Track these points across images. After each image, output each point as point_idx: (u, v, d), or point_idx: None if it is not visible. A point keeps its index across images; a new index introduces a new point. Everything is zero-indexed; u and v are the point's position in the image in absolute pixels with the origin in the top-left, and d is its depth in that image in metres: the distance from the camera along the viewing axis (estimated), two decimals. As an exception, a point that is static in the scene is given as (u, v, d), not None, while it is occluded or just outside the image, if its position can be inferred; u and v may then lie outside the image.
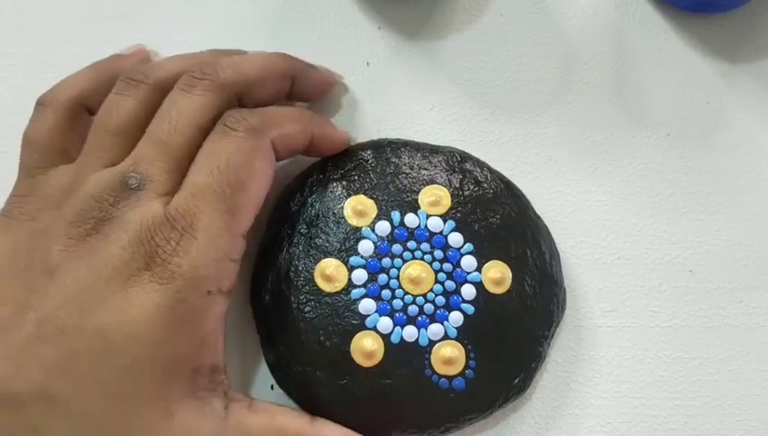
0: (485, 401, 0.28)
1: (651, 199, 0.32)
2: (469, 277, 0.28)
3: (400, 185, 0.29)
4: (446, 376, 0.27)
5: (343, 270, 0.28)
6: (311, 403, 0.28)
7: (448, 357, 0.27)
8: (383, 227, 0.29)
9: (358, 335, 0.27)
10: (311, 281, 0.28)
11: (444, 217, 0.29)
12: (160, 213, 0.24)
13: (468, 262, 0.28)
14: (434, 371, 0.27)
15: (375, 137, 0.31)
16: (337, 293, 0.28)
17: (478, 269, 0.28)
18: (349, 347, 0.27)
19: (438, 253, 0.28)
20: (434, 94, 0.33)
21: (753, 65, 0.34)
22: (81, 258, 0.24)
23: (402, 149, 0.30)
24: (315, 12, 0.33)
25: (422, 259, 0.28)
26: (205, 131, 0.26)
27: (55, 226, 0.25)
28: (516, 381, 0.28)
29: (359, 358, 0.27)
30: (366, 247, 0.28)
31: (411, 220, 0.29)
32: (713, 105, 0.33)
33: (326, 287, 0.28)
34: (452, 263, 0.28)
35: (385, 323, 0.28)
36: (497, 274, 0.28)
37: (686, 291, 0.31)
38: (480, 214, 0.29)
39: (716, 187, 0.33)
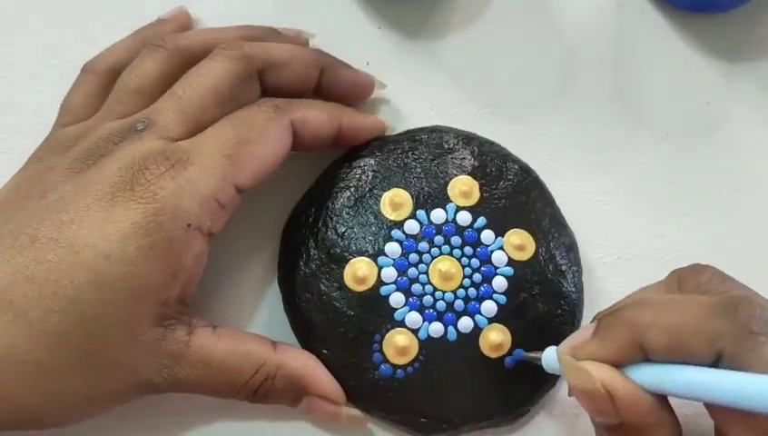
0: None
1: (651, 199, 0.32)
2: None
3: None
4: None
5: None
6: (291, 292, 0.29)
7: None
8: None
9: (354, 260, 0.28)
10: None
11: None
12: (159, 146, 0.25)
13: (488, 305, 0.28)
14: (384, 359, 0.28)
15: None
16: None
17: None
18: (344, 270, 0.28)
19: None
20: (434, 94, 0.33)
21: (753, 65, 0.34)
22: (73, 181, 0.25)
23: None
24: (315, 12, 0.33)
25: (451, 254, 0.29)
26: (222, 97, 0.27)
27: (61, 163, 0.26)
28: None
29: (350, 281, 0.28)
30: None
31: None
32: (713, 105, 0.33)
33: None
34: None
35: (390, 275, 0.28)
36: (497, 338, 0.28)
37: (686, 291, 0.31)
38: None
39: (716, 187, 0.33)
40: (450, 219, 0.29)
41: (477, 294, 0.28)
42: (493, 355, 0.28)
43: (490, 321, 0.28)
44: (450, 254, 0.28)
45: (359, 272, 0.28)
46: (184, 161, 0.25)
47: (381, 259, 0.28)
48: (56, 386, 0.23)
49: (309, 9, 0.33)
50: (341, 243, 0.28)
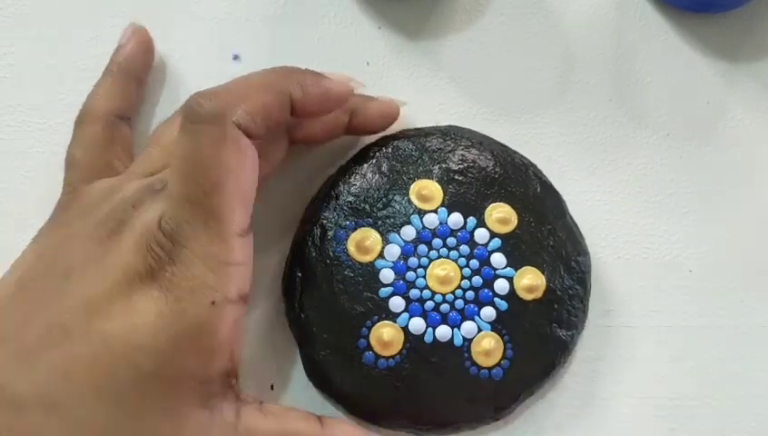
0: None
1: (651, 199, 0.32)
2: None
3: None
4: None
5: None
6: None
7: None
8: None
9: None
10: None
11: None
12: (157, 218, 0.24)
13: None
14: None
15: (373, 138, 0.31)
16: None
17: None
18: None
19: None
20: (434, 94, 0.33)
21: (753, 65, 0.34)
22: (96, 260, 0.24)
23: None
24: (315, 12, 0.33)
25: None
26: None
27: (83, 229, 0.25)
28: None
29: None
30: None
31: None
32: (713, 105, 0.33)
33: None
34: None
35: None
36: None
37: (686, 291, 0.31)
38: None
39: (716, 187, 0.33)
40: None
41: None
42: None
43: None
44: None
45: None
46: (179, 237, 0.23)
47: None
48: None
49: (309, 9, 0.33)
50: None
